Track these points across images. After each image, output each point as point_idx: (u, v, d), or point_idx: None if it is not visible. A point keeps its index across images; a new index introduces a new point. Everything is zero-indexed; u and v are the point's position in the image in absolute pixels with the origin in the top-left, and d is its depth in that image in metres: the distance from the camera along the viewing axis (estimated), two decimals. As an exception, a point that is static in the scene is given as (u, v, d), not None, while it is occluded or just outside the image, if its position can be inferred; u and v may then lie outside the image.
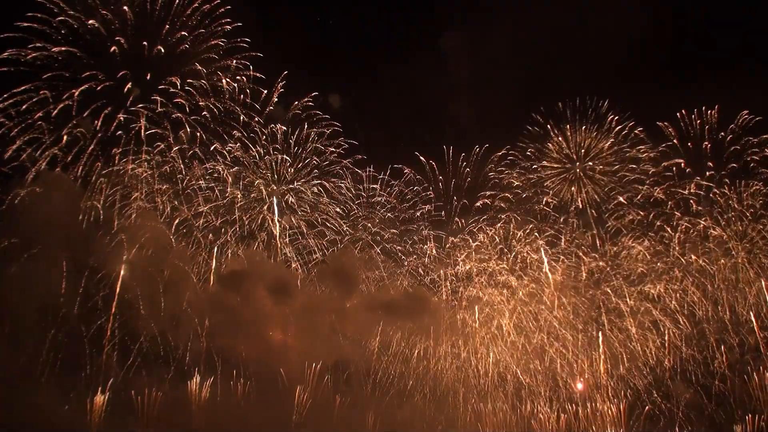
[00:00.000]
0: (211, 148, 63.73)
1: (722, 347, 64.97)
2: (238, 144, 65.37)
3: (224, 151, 64.38)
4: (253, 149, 65.63)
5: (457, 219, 70.44)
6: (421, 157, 71.26)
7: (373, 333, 66.88)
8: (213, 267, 61.91)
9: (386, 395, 66.39)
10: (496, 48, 73.80)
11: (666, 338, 65.53)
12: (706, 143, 66.98)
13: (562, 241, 67.81)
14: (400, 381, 66.90)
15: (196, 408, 59.32)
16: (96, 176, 58.42)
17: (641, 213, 66.60)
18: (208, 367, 59.42)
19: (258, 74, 64.78)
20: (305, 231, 66.77)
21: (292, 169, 67.21)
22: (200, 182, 63.49)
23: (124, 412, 56.42)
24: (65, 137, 57.80)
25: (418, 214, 70.44)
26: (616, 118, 67.60)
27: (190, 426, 58.60)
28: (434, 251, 69.61)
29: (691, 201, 66.62)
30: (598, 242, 67.19)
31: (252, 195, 65.85)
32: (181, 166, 62.50)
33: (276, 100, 66.07)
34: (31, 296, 52.51)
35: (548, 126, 68.75)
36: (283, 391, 61.36)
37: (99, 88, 59.34)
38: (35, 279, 52.79)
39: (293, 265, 66.22)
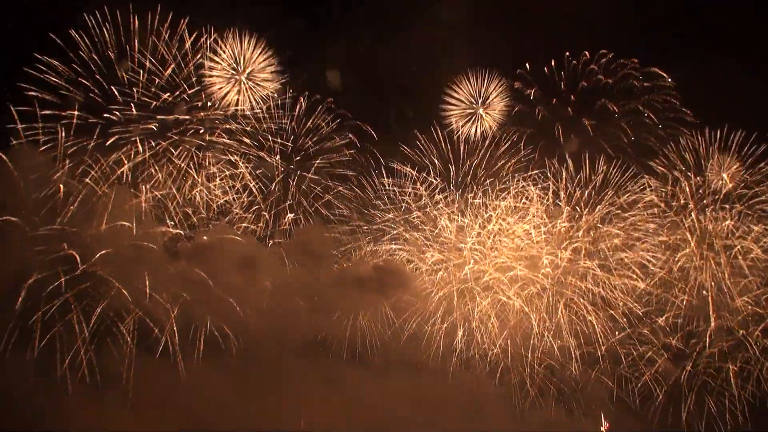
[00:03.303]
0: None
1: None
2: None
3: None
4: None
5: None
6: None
7: (355, 309, 66.50)
8: (190, 244, 61.60)
9: (367, 372, 66.20)
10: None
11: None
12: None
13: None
14: (382, 357, 66.49)
15: (178, 387, 59.25)
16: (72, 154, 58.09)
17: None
18: (184, 346, 59.26)
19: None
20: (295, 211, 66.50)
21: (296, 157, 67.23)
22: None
23: (103, 392, 56.31)
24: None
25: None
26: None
27: (175, 406, 58.56)
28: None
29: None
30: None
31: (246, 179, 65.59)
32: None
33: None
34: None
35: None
36: (261, 369, 61.56)
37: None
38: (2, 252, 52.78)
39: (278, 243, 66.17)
